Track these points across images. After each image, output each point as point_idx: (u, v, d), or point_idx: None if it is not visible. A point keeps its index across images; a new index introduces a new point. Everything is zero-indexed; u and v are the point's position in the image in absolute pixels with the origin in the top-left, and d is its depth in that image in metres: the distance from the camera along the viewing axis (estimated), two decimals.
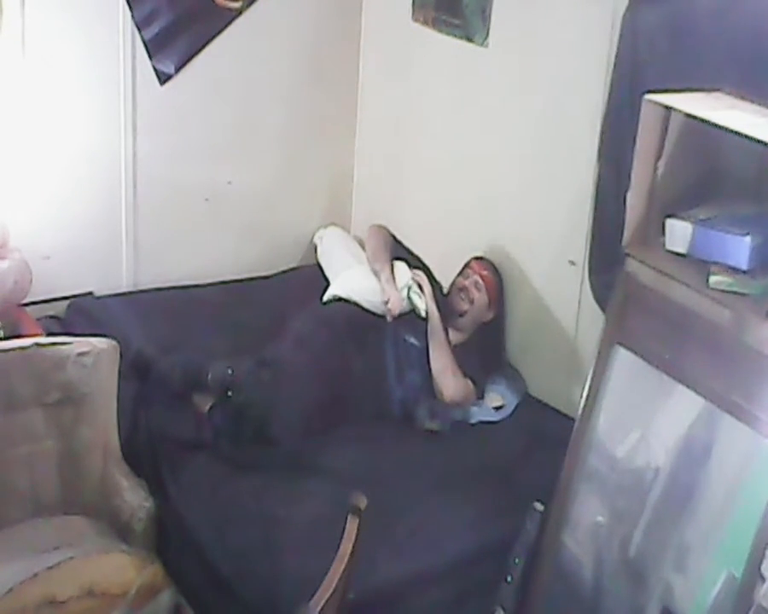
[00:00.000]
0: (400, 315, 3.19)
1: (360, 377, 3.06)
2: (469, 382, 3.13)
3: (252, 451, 2.78)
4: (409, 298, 3.24)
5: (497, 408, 3.18)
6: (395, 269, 3.34)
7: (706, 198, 2.36)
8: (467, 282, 3.28)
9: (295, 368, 2.97)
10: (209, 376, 2.88)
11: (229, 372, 2.84)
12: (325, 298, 3.38)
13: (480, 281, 3.26)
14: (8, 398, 2.54)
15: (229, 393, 2.80)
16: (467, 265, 3.35)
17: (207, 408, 2.87)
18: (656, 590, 2.19)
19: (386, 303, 3.19)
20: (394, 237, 3.50)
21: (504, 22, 3.24)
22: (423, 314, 3.21)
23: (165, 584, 2.30)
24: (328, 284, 3.51)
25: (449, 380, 3.10)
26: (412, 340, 3.17)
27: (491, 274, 3.30)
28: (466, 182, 3.49)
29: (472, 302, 3.25)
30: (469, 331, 3.29)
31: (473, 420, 3.11)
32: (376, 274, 3.30)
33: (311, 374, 2.97)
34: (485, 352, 3.27)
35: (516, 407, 3.20)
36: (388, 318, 3.19)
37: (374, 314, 3.23)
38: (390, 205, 3.86)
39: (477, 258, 3.35)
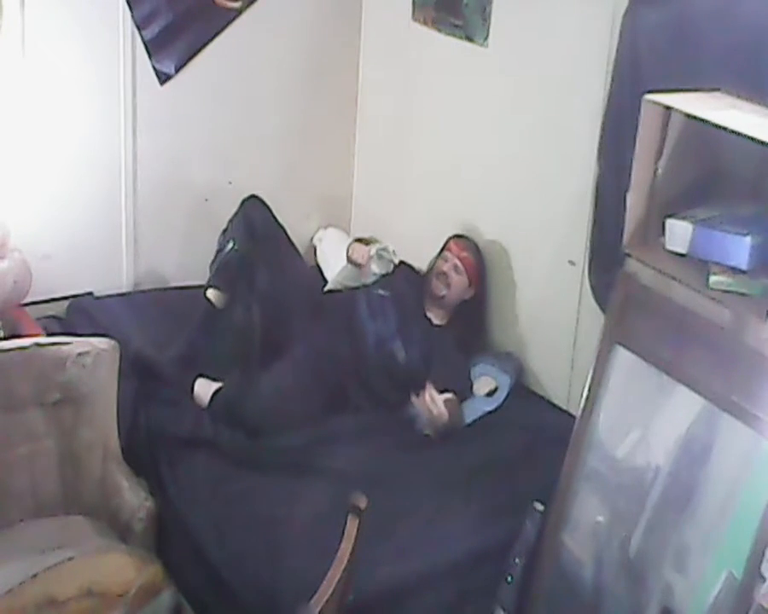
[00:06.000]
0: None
1: (337, 329, 3.18)
2: (453, 401, 3.03)
3: (252, 451, 2.79)
4: (379, 256, 3.32)
5: (490, 394, 3.17)
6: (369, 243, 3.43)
7: (706, 198, 2.36)
8: (445, 267, 3.28)
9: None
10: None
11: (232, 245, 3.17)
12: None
13: (460, 265, 3.27)
14: (8, 398, 2.54)
15: (235, 248, 3.13)
16: (445, 246, 3.35)
17: (207, 402, 2.90)
18: (656, 590, 2.19)
19: (350, 259, 3.35)
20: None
21: (504, 22, 3.24)
22: (392, 268, 3.34)
23: (165, 584, 2.29)
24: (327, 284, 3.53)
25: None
26: (381, 292, 3.25)
27: (471, 254, 3.30)
28: (465, 182, 3.49)
29: (449, 286, 3.26)
30: (450, 311, 3.32)
31: (468, 420, 3.09)
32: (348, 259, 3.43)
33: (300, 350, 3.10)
34: (467, 332, 3.30)
35: (511, 389, 3.19)
36: (362, 275, 3.34)
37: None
38: (389, 206, 3.86)
39: (456, 237, 3.35)
